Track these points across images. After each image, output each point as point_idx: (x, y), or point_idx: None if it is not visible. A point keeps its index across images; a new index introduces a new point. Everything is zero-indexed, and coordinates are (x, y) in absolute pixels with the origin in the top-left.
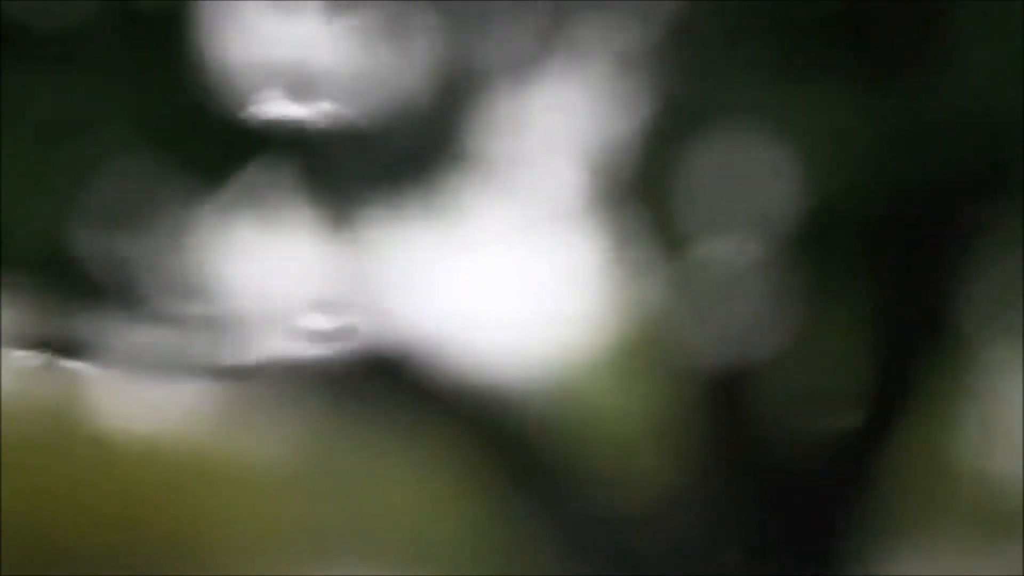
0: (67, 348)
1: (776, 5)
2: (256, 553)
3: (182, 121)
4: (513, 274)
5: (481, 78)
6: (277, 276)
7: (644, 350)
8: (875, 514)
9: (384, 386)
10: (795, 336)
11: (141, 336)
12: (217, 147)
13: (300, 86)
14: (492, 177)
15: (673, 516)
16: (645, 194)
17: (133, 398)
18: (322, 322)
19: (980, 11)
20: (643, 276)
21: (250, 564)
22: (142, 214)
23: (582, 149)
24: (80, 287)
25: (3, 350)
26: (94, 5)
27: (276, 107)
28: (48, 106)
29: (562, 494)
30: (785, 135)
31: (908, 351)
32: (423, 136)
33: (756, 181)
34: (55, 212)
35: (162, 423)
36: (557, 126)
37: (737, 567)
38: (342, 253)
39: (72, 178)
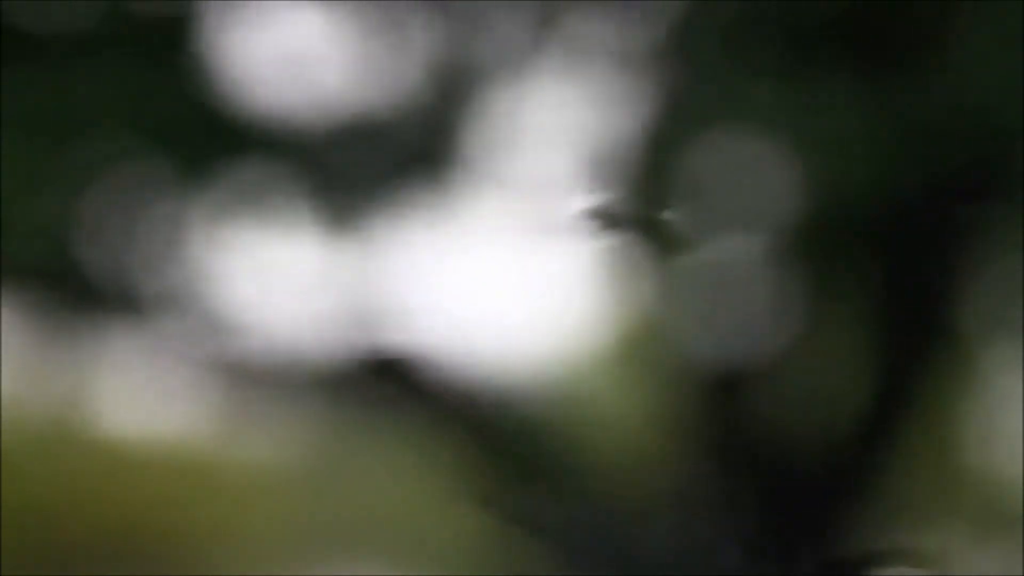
0: (68, 348)
1: (777, 5)
2: (256, 553)
3: (182, 122)
4: (513, 274)
5: (480, 78)
6: (278, 277)
7: (644, 350)
8: (875, 514)
9: (384, 387)
10: (795, 336)
11: (141, 337)
12: (217, 148)
13: (300, 87)
14: (491, 177)
15: (673, 516)
16: (645, 194)
17: (133, 398)
18: (323, 323)
19: (980, 11)
20: (643, 276)
21: (250, 564)
22: (142, 215)
23: (582, 149)
24: (80, 288)
25: (3, 350)
26: (95, 6)
27: (276, 108)
28: (48, 107)
29: (562, 494)
30: (786, 135)
31: (908, 351)
32: (422, 136)
33: (756, 181)
34: (55, 214)
35: (162, 423)
36: (556, 126)
37: (737, 567)
38: (342, 253)
39: (72, 179)
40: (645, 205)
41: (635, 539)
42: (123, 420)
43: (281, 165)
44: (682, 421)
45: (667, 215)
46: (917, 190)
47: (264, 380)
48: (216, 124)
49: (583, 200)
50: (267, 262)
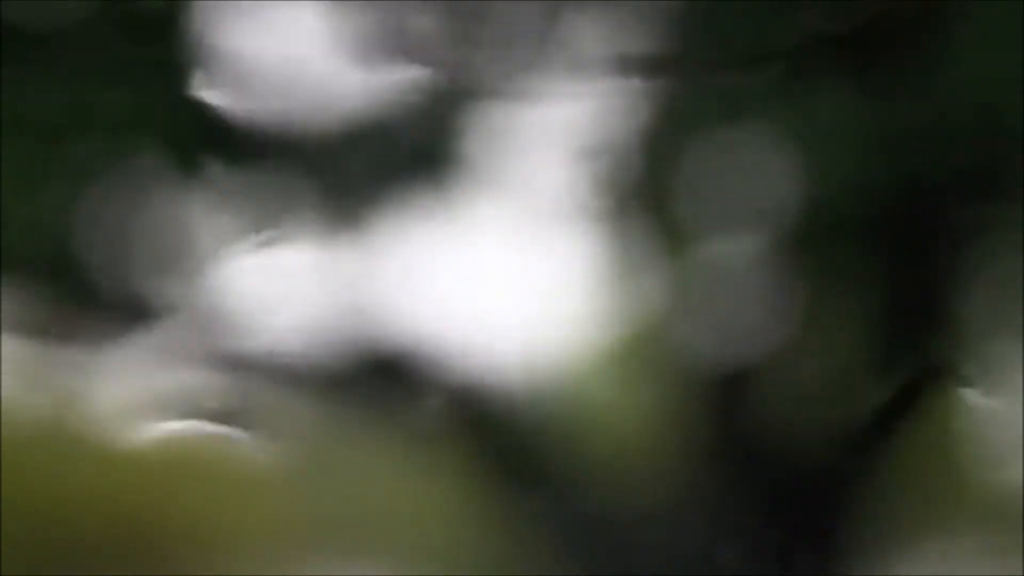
0: (67, 346)
1: (776, 6)
2: (256, 553)
3: (182, 121)
4: (514, 274)
5: (481, 79)
6: (278, 275)
7: (644, 350)
8: (875, 514)
9: (384, 386)
10: (795, 335)
11: (141, 335)
12: (217, 147)
13: (300, 86)
14: (492, 178)
15: (673, 516)
16: (645, 194)
17: (133, 397)
18: (323, 323)
19: (980, 11)
20: (643, 276)
21: (250, 564)
22: (142, 214)
23: (582, 150)
24: (80, 286)
25: (3, 347)
26: (93, 5)
27: (276, 108)
28: (48, 106)
29: (562, 494)
30: (785, 135)
31: (908, 350)
32: (424, 138)
33: (756, 181)
34: (55, 212)
35: (162, 423)
36: (557, 127)
37: (737, 567)
38: (343, 253)
39: (72, 179)
40: (646, 205)
41: (635, 539)
42: (123, 419)
43: (281, 165)
44: (682, 420)
45: (667, 215)
46: (917, 190)
47: (264, 379)
48: (216, 123)
49: (581, 201)
50: (267, 261)
